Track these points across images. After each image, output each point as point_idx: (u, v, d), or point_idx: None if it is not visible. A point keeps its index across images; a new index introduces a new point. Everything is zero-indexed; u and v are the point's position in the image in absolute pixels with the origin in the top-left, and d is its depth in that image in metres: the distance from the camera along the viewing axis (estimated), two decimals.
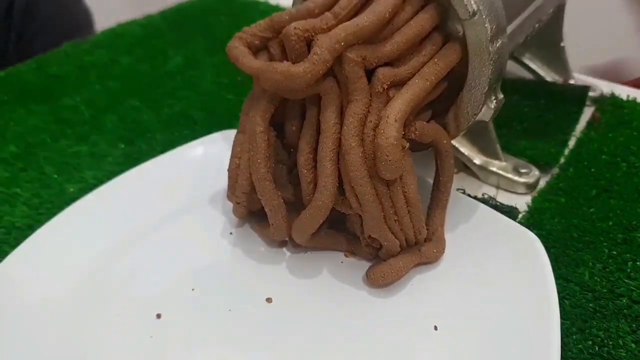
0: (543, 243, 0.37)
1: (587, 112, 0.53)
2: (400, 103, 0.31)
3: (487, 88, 0.34)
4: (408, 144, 0.32)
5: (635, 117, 0.51)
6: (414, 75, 0.33)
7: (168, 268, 0.36)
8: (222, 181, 0.38)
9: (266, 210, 0.35)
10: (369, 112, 0.32)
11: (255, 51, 0.35)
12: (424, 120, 0.36)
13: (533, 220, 0.41)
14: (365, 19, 0.31)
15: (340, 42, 0.30)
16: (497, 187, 0.45)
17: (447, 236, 0.37)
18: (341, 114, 0.33)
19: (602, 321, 0.34)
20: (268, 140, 0.34)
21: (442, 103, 0.36)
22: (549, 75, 0.56)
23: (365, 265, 0.36)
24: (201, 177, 0.41)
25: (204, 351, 0.31)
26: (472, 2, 0.32)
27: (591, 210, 0.42)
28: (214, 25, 0.68)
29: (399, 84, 0.33)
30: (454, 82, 0.35)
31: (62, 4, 0.74)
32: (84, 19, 0.80)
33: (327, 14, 0.32)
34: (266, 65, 0.31)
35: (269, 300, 0.34)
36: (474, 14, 0.32)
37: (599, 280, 0.36)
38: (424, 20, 0.32)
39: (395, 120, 0.31)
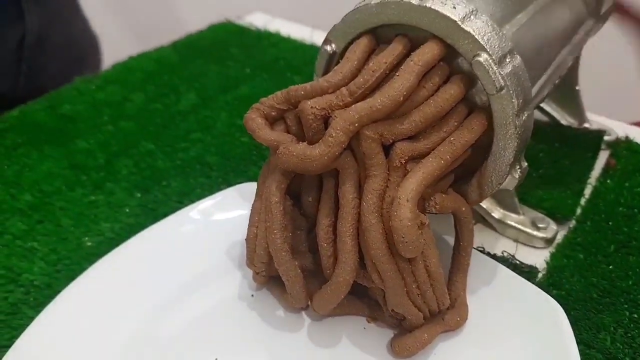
0: (563, 304, 0.37)
1: (603, 157, 0.53)
2: (413, 182, 0.31)
3: (512, 160, 0.34)
4: (427, 220, 0.32)
5: None
6: (433, 150, 0.33)
7: (191, 336, 0.36)
8: (239, 240, 0.37)
9: (284, 280, 0.35)
10: (387, 186, 0.32)
11: (272, 122, 0.36)
12: (445, 185, 0.36)
13: (552, 280, 0.41)
14: (379, 102, 0.31)
15: (355, 124, 0.31)
16: (516, 241, 0.45)
17: (468, 299, 0.37)
18: (359, 188, 0.33)
19: None
20: (284, 210, 0.34)
21: (465, 168, 0.36)
22: (563, 118, 0.56)
23: (387, 331, 0.36)
24: (217, 237, 0.40)
25: None
26: (500, 78, 0.32)
27: (610, 267, 0.42)
28: (225, 58, 0.67)
29: (417, 158, 0.33)
30: (479, 149, 0.35)
31: (71, 33, 0.74)
32: (92, 46, 0.80)
33: (343, 89, 0.33)
34: (283, 147, 0.32)
35: None
36: (501, 88, 0.32)
37: (621, 347, 0.36)
38: (444, 99, 0.32)
39: (408, 201, 0.30)
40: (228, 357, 0.35)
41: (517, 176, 0.35)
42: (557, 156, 0.52)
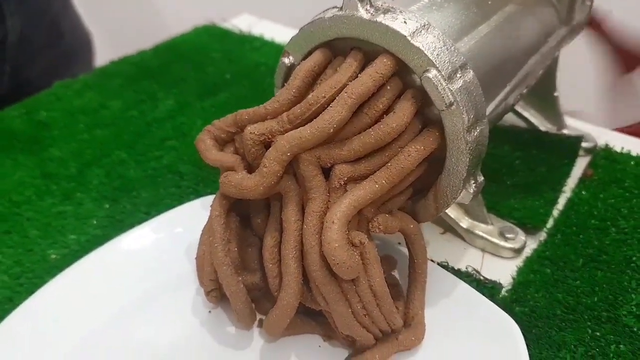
0: (526, 322, 0.37)
1: (580, 164, 0.52)
2: (342, 205, 0.31)
3: (465, 174, 0.33)
4: (366, 239, 0.32)
5: (627, 175, 0.50)
6: (373, 172, 0.32)
7: (146, 351, 0.35)
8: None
9: (227, 295, 0.35)
10: (328, 208, 0.32)
11: (223, 144, 0.37)
12: (397, 203, 0.35)
13: (517, 296, 0.40)
14: (309, 133, 0.31)
15: (287, 153, 0.31)
16: (483, 251, 0.44)
17: (426, 315, 0.37)
18: (303, 210, 0.33)
19: None
20: (225, 224, 0.35)
21: (423, 181, 0.36)
22: (542, 124, 0.56)
23: (343, 350, 0.36)
24: (177, 251, 0.40)
25: None
26: (449, 93, 0.31)
27: (577, 282, 0.41)
28: (206, 63, 0.67)
29: (358, 179, 0.33)
30: (435, 163, 0.35)
31: (59, 31, 0.74)
32: (83, 42, 0.79)
33: (284, 116, 0.33)
34: (223, 176, 0.34)
35: None
36: (451, 104, 0.32)
37: None
38: (385, 132, 0.32)
39: (334, 223, 0.30)
40: None
41: (471, 191, 0.35)
42: (534, 163, 0.51)
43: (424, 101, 0.33)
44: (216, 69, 0.66)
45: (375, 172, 0.32)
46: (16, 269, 0.42)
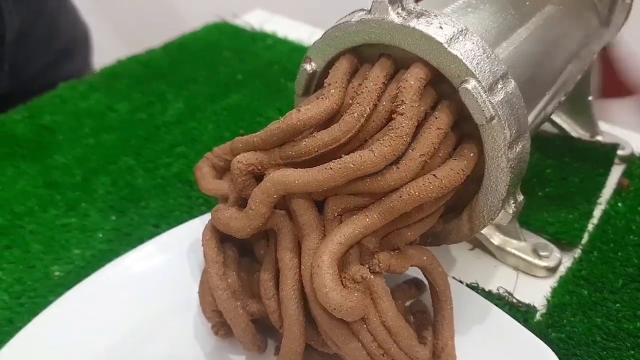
0: (563, 349, 0.34)
1: (615, 173, 0.49)
2: (330, 244, 0.29)
3: (505, 194, 0.31)
4: (368, 274, 0.29)
5: None
6: (370, 203, 0.30)
7: None
8: None
9: (227, 321, 0.32)
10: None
11: (222, 172, 0.37)
12: (433, 219, 0.32)
13: (552, 320, 0.37)
14: (297, 177, 0.29)
15: (273, 195, 0.29)
16: (516, 269, 0.42)
17: (457, 344, 0.34)
18: (299, 246, 0.31)
19: None
20: (218, 248, 0.34)
21: (457, 199, 0.33)
22: (574, 130, 0.52)
23: None
24: (187, 270, 0.38)
25: None
26: (490, 107, 0.28)
27: (617, 305, 0.38)
28: (217, 62, 0.64)
29: (353, 210, 0.30)
30: (471, 180, 0.32)
31: (57, 26, 0.71)
32: (81, 36, 0.77)
33: (276, 150, 0.31)
34: (213, 212, 0.33)
35: None
36: (492, 118, 0.29)
37: None
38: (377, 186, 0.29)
39: (319, 266, 0.28)
40: None
41: (511, 211, 0.32)
42: (566, 173, 0.48)
43: (459, 115, 0.30)
44: (228, 68, 0.63)
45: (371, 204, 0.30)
46: (17, 287, 0.39)
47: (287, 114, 0.31)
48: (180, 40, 0.69)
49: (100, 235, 0.43)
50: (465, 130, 0.31)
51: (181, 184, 0.48)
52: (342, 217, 0.30)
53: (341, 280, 0.29)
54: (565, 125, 0.52)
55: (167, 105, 0.57)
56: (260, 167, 0.32)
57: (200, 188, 0.37)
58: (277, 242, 0.32)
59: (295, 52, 0.66)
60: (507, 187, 0.30)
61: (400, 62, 0.31)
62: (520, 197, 0.33)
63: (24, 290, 0.39)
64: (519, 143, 0.30)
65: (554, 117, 0.52)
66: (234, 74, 0.62)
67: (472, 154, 0.30)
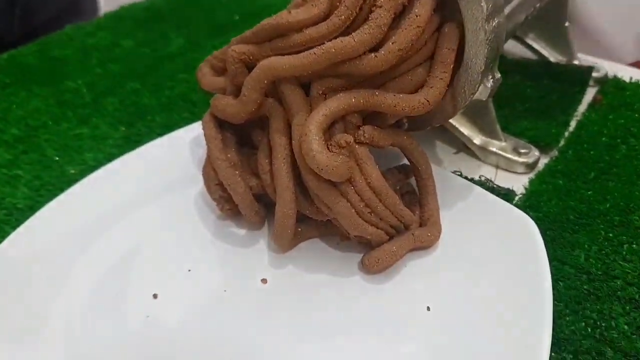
0: (539, 225, 0.37)
1: (590, 93, 0.53)
2: (316, 115, 0.32)
3: (483, 67, 0.34)
4: (351, 139, 0.32)
5: (636, 100, 0.50)
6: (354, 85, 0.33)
7: (165, 249, 0.36)
8: None
9: (229, 191, 0.36)
10: None
11: (221, 72, 0.40)
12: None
13: (530, 203, 0.41)
14: (285, 64, 0.32)
15: (263, 81, 0.33)
16: (497, 167, 0.45)
17: (442, 219, 0.37)
18: (289, 126, 0.34)
19: (595, 303, 0.34)
20: (216, 129, 0.37)
21: None
22: (552, 56, 0.56)
23: (361, 246, 0.36)
24: (196, 160, 0.41)
25: (200, 331, 0.32)
26: None
27: (589, 192, 0.42)
28: (216, 8, 0.67)
29: (336, 90, 0.33)
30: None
31: None
32: None
33: (267, 44, 0.34)
34: (213, 99, 0.37)
35: (264, 281, 0.34)
36: None
37: (594, 262, 0.36)
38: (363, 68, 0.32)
39: (306, 134, 0.31)
40: (202, 268, 0.35)
41: (489, 85, 0.35)
42: (545, 91, 0.52)
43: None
44: (225, 11, 0.66)
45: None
46: (36, 182, 0.42)
47: (278, 14, 0.34)
48: None
49: (111, 142, 0.46)
50: (447, 14, 0.34)
51: (184, 103, 0.51)
52: (326, 95, 0.33)
53: (327, 147, 0.32)
54: (544, 52, 0.56)
55: (169, 42, 0.60)
56: (251, 57, 0.34)
57: (200, 85, 0.40)
58: (269, 125, 0.35)
59: None
60: (485, 59, 0.33)
61: None
62: (498, 74, 0.36)
63: (42, 184, 0.42)
64: (495, 18, 0.33)
65: (534, 44, 0.56)
66: (231, 15, 0.65)
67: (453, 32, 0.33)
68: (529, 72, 0.54)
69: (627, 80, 0.54)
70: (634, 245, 0.37)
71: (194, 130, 0.43)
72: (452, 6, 0.33)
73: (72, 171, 0.43)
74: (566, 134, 0.48)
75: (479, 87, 0.35)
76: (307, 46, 0.33)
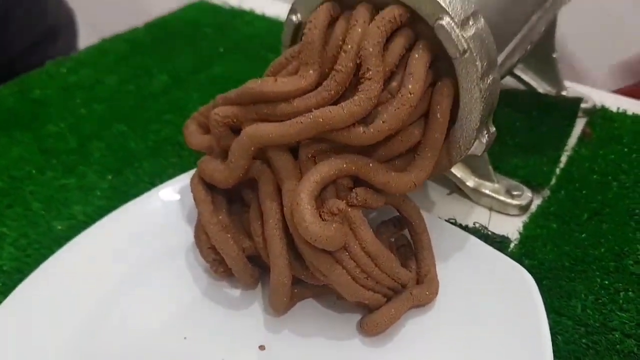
0: (535, 274, 0.37)
1: (579, 124, 0.53)
2: (306, 182, 0.31)
3: (478, 124, 0.34)
4: (343, 205, 0.32)
5: (625, 132, 0.51)
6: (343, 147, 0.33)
7: (160, 315, 0.35)
8: None
9: (222, 255, 0.35)
10: None
11: (207, 129, 0.39)
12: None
13: (525, 250, 0.41)
14: (272, 133, 0.32)
15: (250, 148, 0.33)
16: (490, 209, 0.45)
17: (438, 272, 0.37)
18: (279, 190, 0.33)
19: (595, 357, 0.34)
20: (206, 191, 0.36)
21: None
22: (541, 87, 0.56)
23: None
24: (186, 215, 0.40)
25: None
26: (462, 41, 0.31)
27: (583, 235, 0.42)
28: (199, 38, 0.66)
29: (327, 152, 0.33)
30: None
31: (42, 8, 0.73)
32: (66, 20, 0.79)
33: (252, 107, 0.34)
34: (199, 162, 0.37)
35: (261, 347, 0.34)
36: (465, 52, 0.32)
37: (591, 313, 0.36)
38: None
39: (298, 204, 0.30)
40: (198, 336, 0.34)
41: (484, 141, 0.35)
42: (534, 124, 0.52)
43: (434, 54, 0.33)
44: (209, 42, 0.65)
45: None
46: (22, 240, 0.41)
47: (264, 79, 0.33)
48: (161, 19, 0.71)
49: (98, 193, 0.45)
50: (441, 68, 0.34)
51: (172, 146, 0.50)
52: (315, 158, 0.33)
53: (320, 215, 0.31)
54: (533, 83, 0.56)
55: (152, 78, 0.59)
56: (235, 120, 0.34)
57: (187, 144, 0.40)
58: (259, 190, 0.34)
59: (274, 27, 0.68)
60: (480, 116, 0.33)
61: (379, 5, 0.34)
62: (492, 129, 0.36)
63: (29, 243, 0.41)
64: (490, 75, 0.33)
65: (522, 75, 0.56)
66: (215, 48, 0.64)
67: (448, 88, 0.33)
68: (518, 103, 0.54)
69: (615, 110, 0.54)
70: (630, 293, 0.38)
71: (183, 181, 0.42)
72: (447, 62, 0.33)
73: (60, 227, 0.42)
74: (557, 170, 0.48)
75: (474, 142, 0.35)
76: (293, 116, 0.32)
